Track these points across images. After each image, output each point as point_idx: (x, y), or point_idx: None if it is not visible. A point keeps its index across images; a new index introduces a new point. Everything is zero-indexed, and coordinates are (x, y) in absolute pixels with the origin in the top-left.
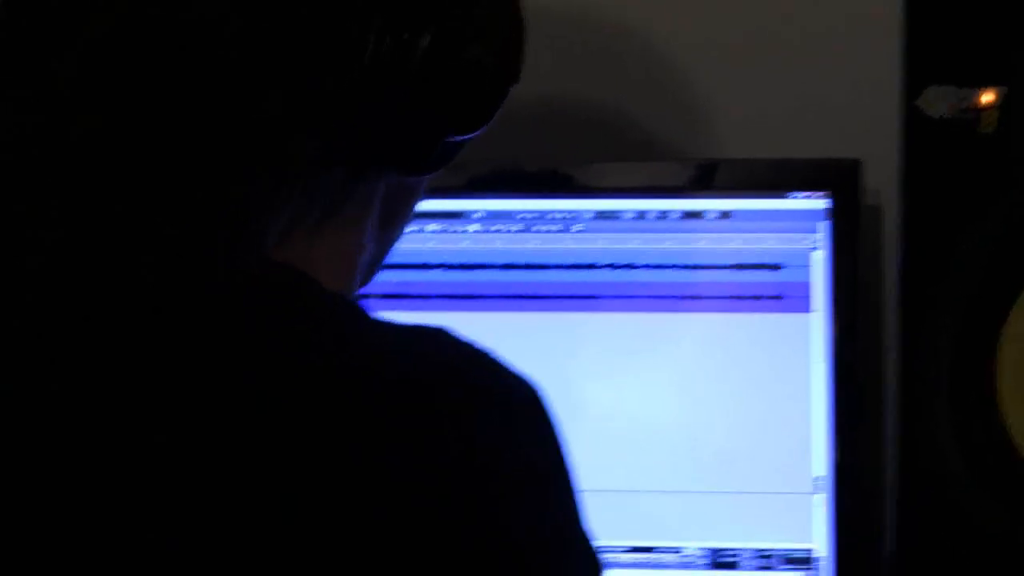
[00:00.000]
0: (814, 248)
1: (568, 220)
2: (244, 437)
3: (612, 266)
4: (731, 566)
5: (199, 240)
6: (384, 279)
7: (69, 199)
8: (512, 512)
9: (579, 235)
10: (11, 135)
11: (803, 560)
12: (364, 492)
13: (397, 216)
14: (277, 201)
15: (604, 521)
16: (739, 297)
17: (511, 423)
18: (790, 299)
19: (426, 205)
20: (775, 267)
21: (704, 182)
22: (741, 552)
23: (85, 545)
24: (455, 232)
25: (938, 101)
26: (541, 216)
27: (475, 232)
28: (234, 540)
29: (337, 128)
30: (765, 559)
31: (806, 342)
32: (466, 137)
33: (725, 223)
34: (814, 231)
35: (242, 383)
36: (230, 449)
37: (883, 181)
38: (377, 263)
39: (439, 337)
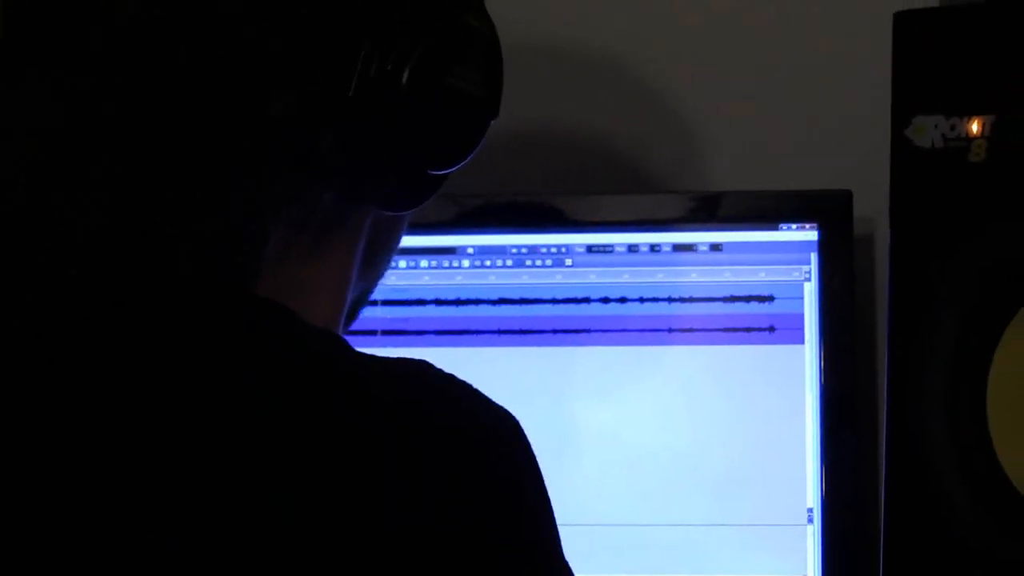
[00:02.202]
0: (806, 279)
1: (560, 254)
2: (236, 450)
3: (604, 300)
4: None
5: (177, 256)
6: (378, 315)
7: (59, 202)
8: (496, 538)
9: (571, 269)
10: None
11: None
12: (351, 511)
13: (382, 249)
14: (265, 225)
15: (596, 554)
16: (732, 329)
17: (497, 451)
18: (783, 331)
19: (419, 241)
20: (767, 299)
21: (695, 215)
22: None
23: (85, 545)
24: (448, 268)
25: (927, 131)
26: (533, 250)
27: (468, 268)
28: (234, 542)
29: (322, 155)
30: None
31: (800, 373)
32: (446, 171)
33: (717, 255)
34: (806, 263)
35: (233, 400)
36: (224, 460)
37: (874, 211)
38: (364, 299)
39: (422, 368)
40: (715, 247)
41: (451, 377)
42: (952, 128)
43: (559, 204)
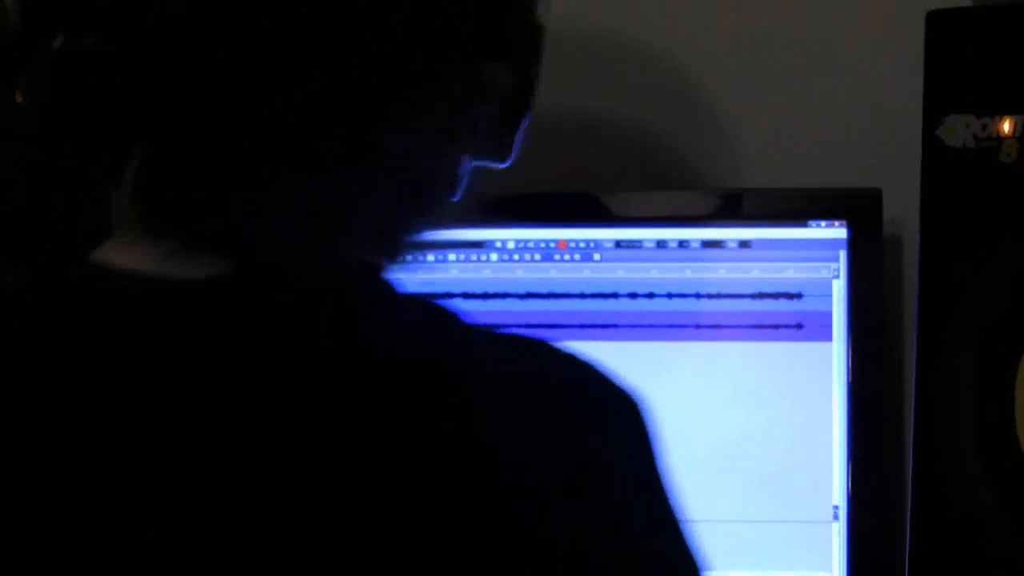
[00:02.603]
0: (835, 277)
1: (588, 249)
2: (233, 450)
3: (632, 295)
4: None
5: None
6: None
7: (59, 203)
8: (622, 509)
9: (599, 264)
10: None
11: None
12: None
13: None
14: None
15: None
16: (760, 326)
17: (628, 426)
18: (811, 328)
19: (448, 235)
20: (796, 296)
21: (725, 211)
22: None
23: (86, 544)
24: (476, 261)
25: (958, 130)
26: (561, 245)
27: (496, 261)
28: (237, 541)
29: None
30: None
31: (827, 371)
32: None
33: (746, 252)
34: (835, 260)
35: (230, 399)
36: (223, 460)
37: (903, 210)
38: None
39: (545, 344)
40: (744, 244)
41: (575, 353)
42: (983, 128)
43: (588, 199)
